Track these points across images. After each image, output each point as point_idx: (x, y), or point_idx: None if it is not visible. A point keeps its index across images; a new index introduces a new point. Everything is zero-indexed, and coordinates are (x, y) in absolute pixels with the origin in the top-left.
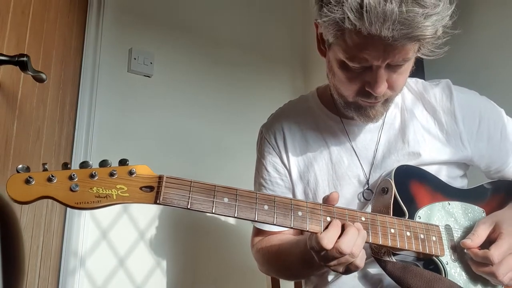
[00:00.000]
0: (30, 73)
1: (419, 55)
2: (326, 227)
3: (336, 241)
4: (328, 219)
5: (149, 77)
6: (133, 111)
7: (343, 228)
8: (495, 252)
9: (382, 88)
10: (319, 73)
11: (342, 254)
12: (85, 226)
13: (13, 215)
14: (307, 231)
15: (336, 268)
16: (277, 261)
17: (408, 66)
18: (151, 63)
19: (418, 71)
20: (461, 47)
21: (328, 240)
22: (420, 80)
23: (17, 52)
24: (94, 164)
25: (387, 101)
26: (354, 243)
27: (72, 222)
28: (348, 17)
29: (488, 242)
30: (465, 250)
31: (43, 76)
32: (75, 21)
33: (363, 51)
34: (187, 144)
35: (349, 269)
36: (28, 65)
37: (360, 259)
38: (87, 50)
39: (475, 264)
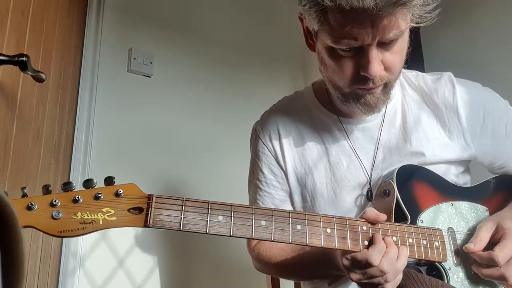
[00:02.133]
0: (29, 73)
1: (411, 23)
2: (372, 243)
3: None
4: (328, 231)
5: (149, 77)
6: (133, 111)
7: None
8: (499, 253)
9: (377, 69)
10: (319, 72)
11: (383, 273)
12: None
13: (13, 215)
14: (307, 245)
15: (364, 285)
16: (291, 264)
17: (402, 44)
18: (151, 63)
19: (418, 65)
20: (462, 40)
21: (376, 256)
22: (420, 74)
23: (17, 52)
24: (92, 166)
25: (386, 87)
26: (394, 264)
27: None
28: None
29: (492, 244)
30: (463, 241)
31: (43, 76)
32: (75, 21)
33: (350, 29)
34: (187, 143)
35: None
36: (28, 65)
37: (392, 285)
38: (87, 50)
39: (482, 268)
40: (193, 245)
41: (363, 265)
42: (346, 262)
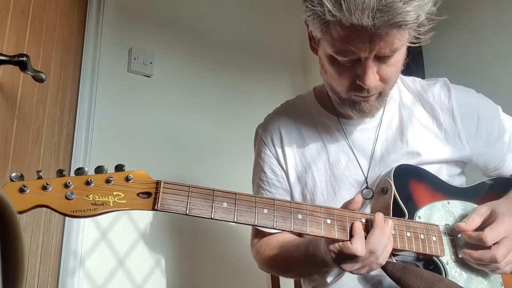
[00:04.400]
0: (29, 73)
1: (407, 43)
2: (351, 235)
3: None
4: (328, 221)
5: (149, 77)
6: (133, 111)
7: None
8: (489, 234)
9: (372, 80)
10: (319, 73)
11: (372, 253)
12: (85, 226)
13: (13, 215)
14: (307, 234)
15: (358, 271)
16: (280, 263)
17: (399, 57)
18: (151, 63)
19: (418, 70)
20: (462, 41)
21: (361, 248)
22: (417, 79)
23: (17, 52)
24: (92, 166)
25: (381, 95)
26: (380, 242)
27: (72, 222)
28: (328, 9)
29: (484, 228)
30: (459, 235)
31: (43, 76)
32: (75, 20)
33: (349, 43)
34: (187, 144)
35: (371, 269)
36: (28, 65)
37: (383, 258)
38: (87, 50)
39: (473, 252)
40: (194, 245)
41: (351, 257)
42: (334, 255)
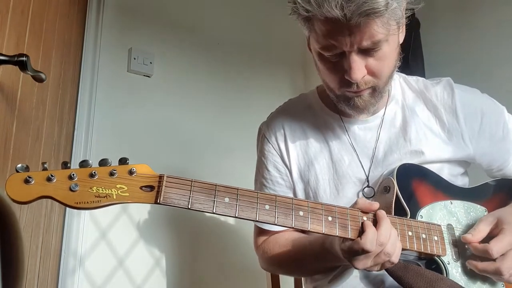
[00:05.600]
0: (29, 73)
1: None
2: (362, 231)
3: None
4: (330, 218)
5: (149, 77)
6: (133, 111)
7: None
8: (494, 246)
9: (358, 74)
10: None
11: (382, 245)
12: (85, 226)
13: (12, 215)
14: (309, 231)
15: (372, 268)
16: (292, 260)
17: (387, 50)
18: (151, 63)
19: (419, 70)
20: (463, 46)
21: (371, 243)
22: (421, 79)
23: (17, 52)
24: (94, 163)
25: (375, 91)
26: (388, 234)
27: (72, 222)
28: (300, 5)
29: (490, 238)
30: (466, 246)
31: (43, 76)
32: (75, 20)
33: (330, 37)
34: (187, 143)
35: (384, 267)
36: (28, 65)
37: (396, 256)
38: (86, 50)
39: (478, 263)
40: (194, 245)
41: (362, 254)
42: (345, 254)
